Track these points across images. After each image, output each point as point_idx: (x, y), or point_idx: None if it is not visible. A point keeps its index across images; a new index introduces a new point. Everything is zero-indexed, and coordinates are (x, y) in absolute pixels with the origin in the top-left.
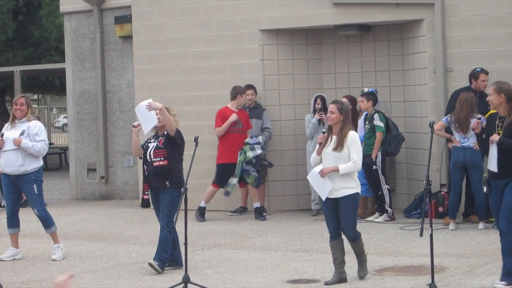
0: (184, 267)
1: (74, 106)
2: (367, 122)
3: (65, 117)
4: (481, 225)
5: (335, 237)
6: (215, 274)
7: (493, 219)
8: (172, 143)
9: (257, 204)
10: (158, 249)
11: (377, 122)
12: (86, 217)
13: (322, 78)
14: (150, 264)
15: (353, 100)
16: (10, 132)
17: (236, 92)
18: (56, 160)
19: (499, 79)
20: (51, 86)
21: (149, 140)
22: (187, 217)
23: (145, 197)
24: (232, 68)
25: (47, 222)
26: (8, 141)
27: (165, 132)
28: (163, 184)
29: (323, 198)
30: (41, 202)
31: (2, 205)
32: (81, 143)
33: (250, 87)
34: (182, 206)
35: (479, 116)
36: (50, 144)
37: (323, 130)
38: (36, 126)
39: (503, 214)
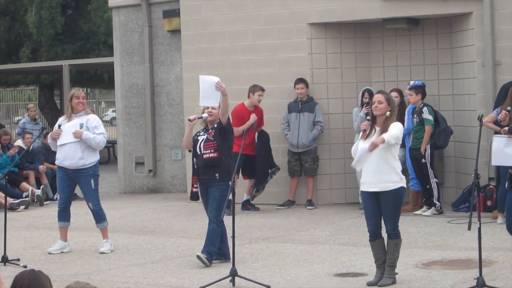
0: (231, 260)
1: (123, 100)
2: (415, 116)
3: (113, 111)
4: None
5: (375, 237)
6: (263, 267)
7: None
8: (222, 133)
9: (247, 197)
10: (206, 242)
11: (426, 115)
12: (134, 210)
13: (370, 71)
14: (198, 257)
15: (401, 94)
16: (68, 125)
17: (249, 91)
18: (104, 154)
19: None
20: (99, 80)
21: (198, 133)
22: (234, 211)
23: (194, 190)
24: (280, 62)
25: (100, 216)
26: (66, 134)
27: (215, 125)
28: (212, 176)
29: (358, 169)
30: (97, 196)
31: (55, 198)
32: (129, 137)
33: (301, 81)
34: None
35: (509, 108)
36: None
37: (368, 117)
38: (94, 119)
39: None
